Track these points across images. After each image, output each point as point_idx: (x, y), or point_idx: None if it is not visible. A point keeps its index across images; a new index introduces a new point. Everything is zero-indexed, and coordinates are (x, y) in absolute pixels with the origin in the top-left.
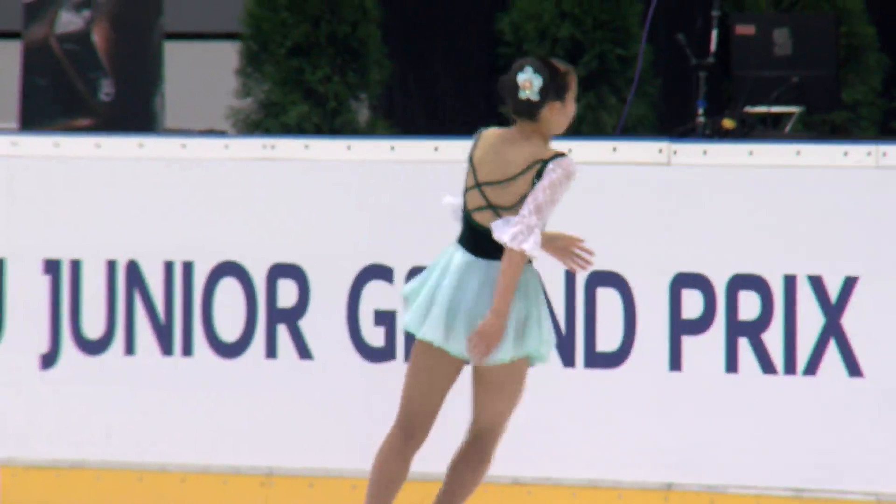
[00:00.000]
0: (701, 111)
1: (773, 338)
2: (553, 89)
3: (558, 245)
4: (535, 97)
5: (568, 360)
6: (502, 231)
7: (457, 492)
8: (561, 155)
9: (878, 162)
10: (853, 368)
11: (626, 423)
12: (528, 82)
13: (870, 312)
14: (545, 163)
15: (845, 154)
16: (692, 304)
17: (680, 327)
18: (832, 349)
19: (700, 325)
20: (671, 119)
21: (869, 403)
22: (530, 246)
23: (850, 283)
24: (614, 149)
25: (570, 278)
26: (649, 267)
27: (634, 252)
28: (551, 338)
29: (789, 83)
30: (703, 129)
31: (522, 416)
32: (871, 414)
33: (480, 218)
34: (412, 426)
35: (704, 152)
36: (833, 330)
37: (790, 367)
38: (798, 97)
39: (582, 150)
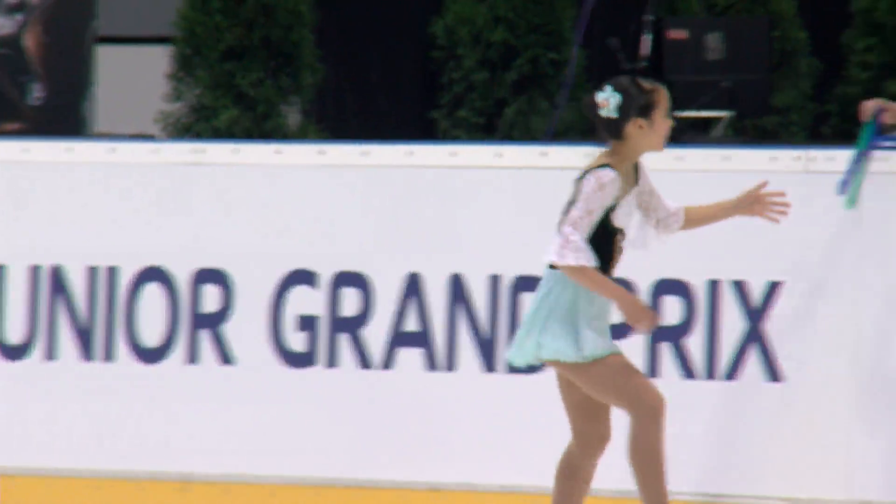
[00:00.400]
0: None
1: (696, 342)
2: (634, 107)
3: (745, 203)
4: (613, 114)
5: (489, 365)
6: (547, 254)
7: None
8: (602, 167)
9: (807, 167)
10: (773, 374)
11: (543, 428)
12: (606, 101)
13: (792, 317)
14: (586, 173)
15: (773, 159)
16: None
17: None
18: (753, 354)
19: (623, 330)
20: None
21: (789, 409)
22: (574, 259)
23: (773, 288)
24: (544, 153)
25: (494, 283)
26: None
27: None
28: (554, 343)
29: (720, 88)
30: None
31: (441, 421)
32: (790, 419)
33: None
34: (572, 440)
35: None
36: (755, 335)
37: (711, 373)
38: (729, 102)
39: (512, 155)
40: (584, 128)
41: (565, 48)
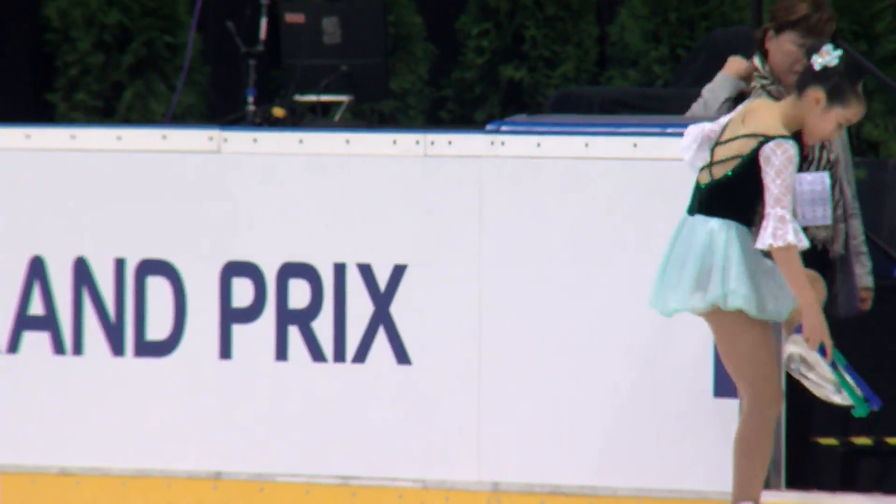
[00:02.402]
0: (251, 99)
1: (324, 326)
2: (832, 81)
3: None
4: (815, 67)
5: (117, 349)
6: (762, 240)
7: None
8: (782, 137)
9: (426, 150)
10: (401, 357)
11: (174, 410)
12: (826, 54)
13: (417, 301)
14: (766, 141)
15: (394, 142)
16: (243, 292)
17: (230, 316)
18: (381, 337)
19: (251, 314)
20: (221, 107)
21: (416, 391)
22: (791, 237)
23: (398, 272)
24: (164, 137)
25: (119, 268)
26: (196, 255)
27: (182, 239)
28: (742, 290)
29: (338, 72)
30: (254, 117)
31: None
32: (418, 401)
33: (700, 176)
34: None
35: (255, 140)
36: (382, 318)
37: (340, 355)
38: (347, 86)
39: (131, 138)
40: (203, 112)
41: (181, 31)
